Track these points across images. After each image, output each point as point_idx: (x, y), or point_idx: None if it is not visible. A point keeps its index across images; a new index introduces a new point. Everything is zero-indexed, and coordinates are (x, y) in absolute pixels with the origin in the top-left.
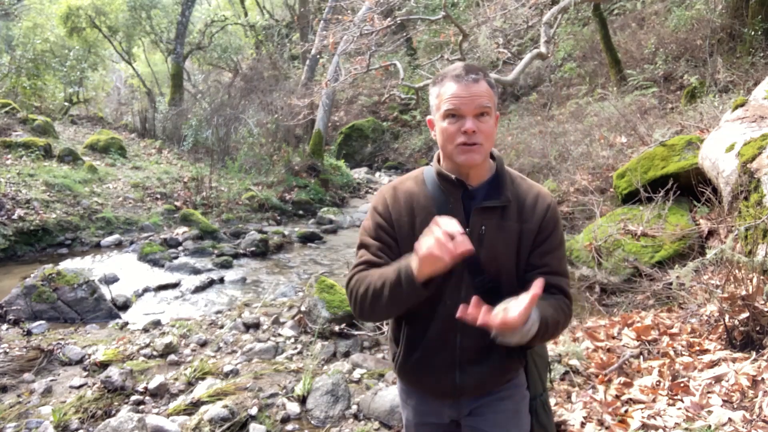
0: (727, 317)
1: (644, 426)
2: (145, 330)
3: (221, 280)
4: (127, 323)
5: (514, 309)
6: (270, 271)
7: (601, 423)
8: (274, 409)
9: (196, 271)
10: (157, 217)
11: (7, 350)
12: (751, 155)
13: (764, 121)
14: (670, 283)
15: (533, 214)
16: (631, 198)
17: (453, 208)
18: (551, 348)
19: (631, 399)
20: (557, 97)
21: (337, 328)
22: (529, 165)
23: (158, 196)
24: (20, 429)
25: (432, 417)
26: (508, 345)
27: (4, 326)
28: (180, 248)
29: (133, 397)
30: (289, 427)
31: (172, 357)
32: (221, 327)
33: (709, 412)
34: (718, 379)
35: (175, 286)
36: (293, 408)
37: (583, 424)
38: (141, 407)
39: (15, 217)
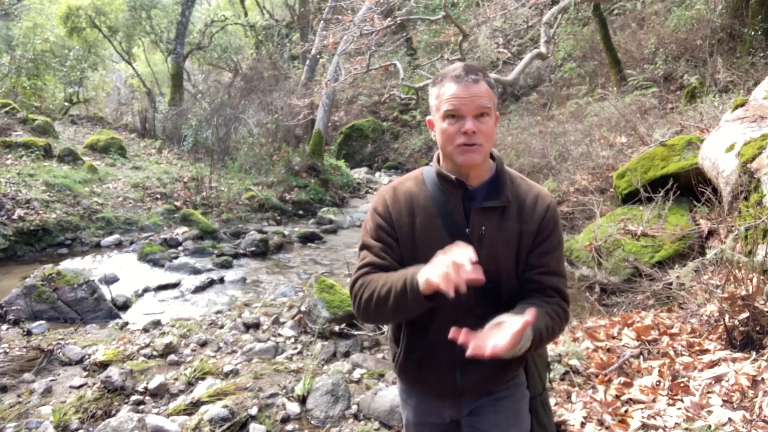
0: (727, 317)
1: (644, 426)
2: (145, 330)
3: (221, 280)
4: (127, 323)
5: (503, 336)
6: (270, 271)
7: (601, 423)
8: (274, 409)
9: (196, 271)
10: (157, 217)
11: (7, 350)
12: (751, 155)
13: (764, 121)
14: (670, 283)
15: (533, 214)
16: (631, 198)
17: (453, 208)
18: (551, 348)
19: (631, 399)
20: (557, 97)
21: (337, 328)
22: (529, 165)
23: (158, 196)
24: (20, 429)
25: (432, 417)
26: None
27: (4, 326)
28: (180, 248)
29: (133, 397)
30: (289, 427)
31: (172, 357)
32: (221, 327)
33: (709, 412)
34: (718, 379)
35: (175, 286)
36: (293, 408)
37: (583, 424)
38: (141, 407)
39: (15, 217)
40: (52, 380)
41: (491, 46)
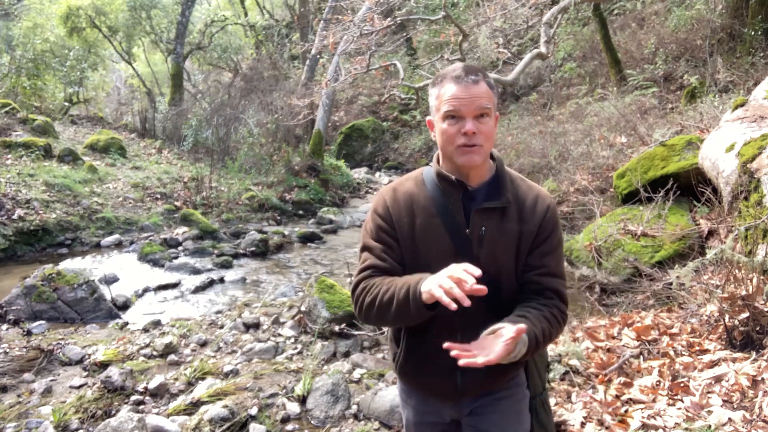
0: (727, 317)
1: (644, 426)
2: (145, 330)
3: (221, 280)
4: (127, 323)
5: (497, 346)
6: (270, 271)
7: (601, 423)
8: (274, 409)
9: (196, 271)
10: (157, 217)
11: (7, 350)
12: (751, 155)
13: (764, 121)
14: (670, 283)
15: (533, 215)
16: (631, 198)
17: (453, 209)
18: (551, 348)
19: (631, 399)
20: (557, 97)
21: (337, 328)
22: (529, 165)
23: (158, 196)
24: (20, 429)
25: (432, 417)
26: None
27: (4, 326)
28: (180, 248)
29: (133, 397)
30: (289, 427)
31: (172, 357)
32: (221, 327)
33: (709, 412)
34: (718, 379)
35: (175, 286)
36: (293, 408)
37: (583, 424)
38: (141, 407)
39: (15, 217)
40: (52, 380)
41: (491, 46)
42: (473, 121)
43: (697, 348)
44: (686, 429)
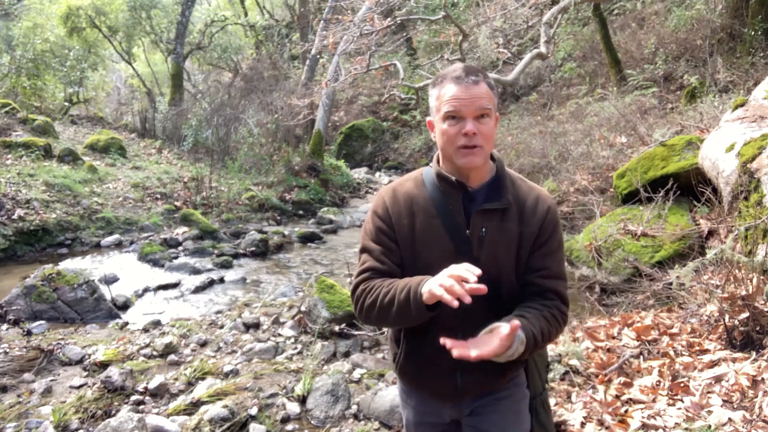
0: (727, 317)
1: (644, 426)
2: (145, 330)
3: (221, 280)
4: (127, 323)
5: (491, 341)
6: (270, 271)
7: (601, 423)
8: (274, 409)
9: (196, 271)
10: (157, 217)
11: (7, 350)
12: (751, 155)
13: (764, 121)
14: (670, 283)
15: (534, 216)
16: (631, 198)
17: (453, 210)
18: (551, 348)
19: (631, 399)
20: (557, 97)
21: (337, 328)
22: (529, 165)
23: (158, 196)
24: (20, 429)
25: (432, 417)
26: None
27: (4, 326)
28: (180, 248)
29: (133, 397)
30: (289, 427)
31: (172, 357)
32: (221, 327)
33: (709, 412)
34: (718, 379)
35: (175, 286)
36: (293, 408)
37: (583, 424)
38: (141, 407)
39: (15, 217)
40: (52, 380)
41: (491, 46)
42: (474, 121)
43: (697, 348)
44: (686, 429)
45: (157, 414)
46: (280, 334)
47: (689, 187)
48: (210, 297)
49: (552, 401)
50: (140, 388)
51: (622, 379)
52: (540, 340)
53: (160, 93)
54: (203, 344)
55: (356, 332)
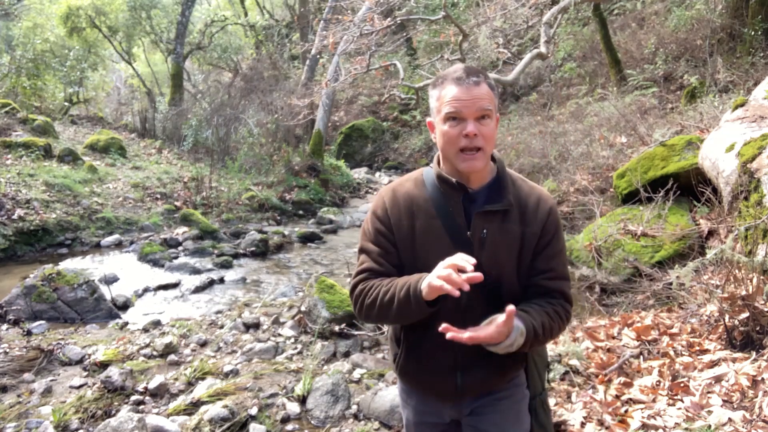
0: (727, 317)
1: (644, 426)
2: (145, 330)
3: (221, 280)
4: (127, 323)
5: (485, 328)
6: (270, 271)
7: (601, 423)
8: (274, 409)
9: (196, 271)
10: (157, 217)
11: (7, 350)
12: (751, 155)
13: (764, 121)
14: (670, 283)
15: (535, 217)
16: (631, 198)
17: (453, 211)
18: (551, 348)
19: (631, 399)
20: (557, 97)
21: (337, 328)
22: (529, 165)
23: (158, 196)
24: (20, 429)
25: (432, 417)
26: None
27: (4, 326)
28: (180, 248)
29: (133, 397)
30: (289, 427)
31: (172, 357)
32: (221, 327)
33: (709, 412)
34: (718, 379)
35: (175, 286)
36: (293, 408)
37: (583, 424)
38: (141, 407)
39: (15, 217)
40: (52, 380)
41: (491, 46)
42: (474, 122)
43: (697, 348)
44: (686, 429)
45: (157, 414)
46: (280, 334)
47: (689, 187)
48: (210, 297)
49: (552, 401)
50: (140, 388)
51: (622, 379)
52: (541, 334)
53: (160, 93)
54: (203, 344)
55: (356, 332)
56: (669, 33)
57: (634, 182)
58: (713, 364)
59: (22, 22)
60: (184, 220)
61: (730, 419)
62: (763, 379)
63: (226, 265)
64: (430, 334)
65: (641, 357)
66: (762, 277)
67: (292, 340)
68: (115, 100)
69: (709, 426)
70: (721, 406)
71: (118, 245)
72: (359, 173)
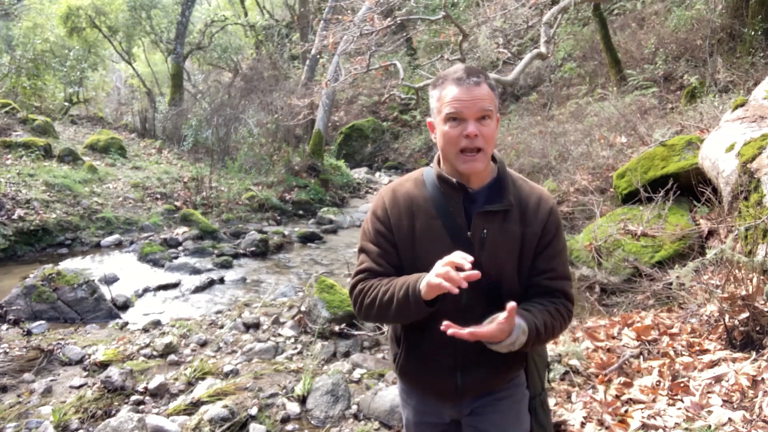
0: (727, 317)
1: (644, 426)
2: (145, 330)
3: (221, 280)
4: (127, 323)
5: (487, 326)
6: (270, 271)
7: (601, 423)
8: (274, 409)
9: (196, 271)
10: (157, 217)
11: (7, 350)
12: (751, 155)
13: (764, 121)
14: (670, 283)
15: (536, 217)
16: (631, 198)
17: (453, 211)
18: (551, 348)
19: (631, 399)
20: (557, 97)
21: (337, 328)
22: (529, 165)
23: (158, 196)
24: (20, 429)
25: (432, 417)
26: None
27: (4, 326)
28: (180, 248)
29: (133, 397)
30: (289, 427)
31: (172, 357)
32: (221, 327)
33: (709, 412)
34: (718, 379)
35: (175, 286)
36: (293, 408)
37: (583, 424)
38: (141, 407)
39: (15, 217)
40: (52, 380)
41: (491, 46)
42: (475, 123)
43: (697, 348)
44: (686, 429)
45: (157, 414)
46: (280, 334)
47: (689, 187)
48: (210, 297)
49: (552, 401)
50: (140, 388)
51: (622, 379)
52: (543, 333)
53: (160, 93)
54: (203, 344)
55: (356, 332)
56: (669, 33)
57: (634, 182)
58: (713, 364)
59: (22, 22)
60: (184, 220)
61: (730, 419)
62: (763, 379)
63: (226, 265)
64: (430, 334)
65: (641, 357)
66: (762, 277)
67: (292, 340)
68: (115, 100)
69: (709, 426)
70: (721, 406)
71: (118, 245)
72: (359, 173)
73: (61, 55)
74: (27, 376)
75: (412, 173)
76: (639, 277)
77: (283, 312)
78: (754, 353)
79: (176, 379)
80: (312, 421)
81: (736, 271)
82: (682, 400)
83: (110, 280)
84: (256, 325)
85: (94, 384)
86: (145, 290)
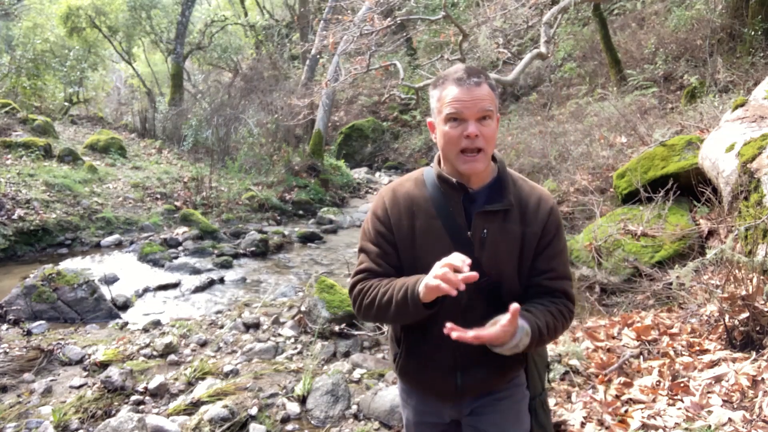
0: (727, 317)
1: (644, 426)
2: (145, 330)
3: (221, 280)
4: (127, 323)
5: (490, 328)
6: (270, 271)
7: (601, 423)
8: (274, 409)
9: (196, 271)
10: (157, 217)
11: (7, 350)
12: (751, 155)
13: (764, 121)
14: (670, 283)
15: (536, 217)
16: (631, 198)
17: (453, 211)
18: (551, 348)
19: (631, 399)
20: (557, 97)
21: (337, 328)
22: (529, 165)
23: (158, 196)
24: (20, 429)
25: (432, 417)
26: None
27: (4, 326)
28: (180, 248)
29: (133, 397)
30: (289, 427)
31: (172, 357)
32: (221, 327)
33: (709, 412)
34: (718, 379)
35: (175, 286)
36: (293, 408)
37: (583, 424)
38: (141, 407)
39: (15, 217)
40: (52, 380)
41: (491, 46)
42: (475, 123)
43: (697, 348)
44: (686, 429)
45: (157, 414)
46: (280, 334)
47: (689, 187)
48: (210, 297)
49: (552, 401)
50: (140, 388)
51: (622, 379)
52: (546, 334)
53: (160, 93)
54: (203, 344)
55: (356, 332)
56: (669, 33)
57: (634, 182)
58: (713, 364)
59: (22, 22)
60: (184, 220)
61: (730, 419)
62: (763, 379)
63: (226, 265)
64: (430, 334)
65: (641, 357)
66: (762, 277)
67: (292, 340)
68: (115, 100)
69: (709, 426)
70: (721, 406)
71: (118, 245)
72: (359, 173)
73: (61, 55)
74: (27, 376)
75: (412, 173)
76: (639, 277)
77: (283, 312)
78: (754, 353)
79: (176, 379)
80: (312, 421)
81: (736, 271)
82: (682, 400)
83: (110, 280)
84: (256, 325)
85: (94, 384)
86: (145, 290)
